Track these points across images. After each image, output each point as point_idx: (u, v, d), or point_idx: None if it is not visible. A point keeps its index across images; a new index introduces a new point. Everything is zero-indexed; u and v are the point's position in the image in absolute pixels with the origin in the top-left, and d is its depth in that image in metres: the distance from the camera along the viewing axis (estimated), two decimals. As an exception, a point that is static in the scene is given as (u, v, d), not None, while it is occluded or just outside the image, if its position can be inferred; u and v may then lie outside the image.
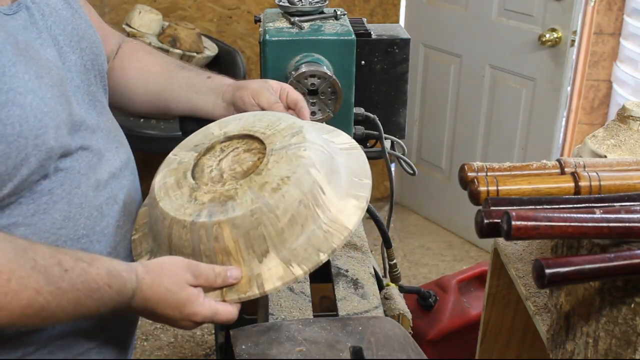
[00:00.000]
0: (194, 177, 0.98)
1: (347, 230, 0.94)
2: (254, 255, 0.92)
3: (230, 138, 1.03)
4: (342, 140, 1.09)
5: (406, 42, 1.44)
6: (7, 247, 0.81)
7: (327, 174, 0.96)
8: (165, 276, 0.92)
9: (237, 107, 1.19)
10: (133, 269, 0.91)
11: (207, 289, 0.94)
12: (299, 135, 0.99)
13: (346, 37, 1.32)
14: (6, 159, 0.86)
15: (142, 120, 2.66)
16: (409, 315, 1.22)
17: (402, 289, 1.35)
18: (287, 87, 1.21)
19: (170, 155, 1.05)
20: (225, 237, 0.91)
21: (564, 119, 3.02)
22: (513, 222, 0.75)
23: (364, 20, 1.52)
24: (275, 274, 0.92)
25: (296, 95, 1.19)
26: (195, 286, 0.93)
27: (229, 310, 0.94)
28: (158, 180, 1.01)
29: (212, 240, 0.92)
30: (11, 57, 0.87)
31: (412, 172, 1.44)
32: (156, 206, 0.97)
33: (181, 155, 1.03)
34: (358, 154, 1.07)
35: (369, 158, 1.51)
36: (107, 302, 0.88)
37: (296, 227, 0.92)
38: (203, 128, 1.09)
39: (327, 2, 1.42)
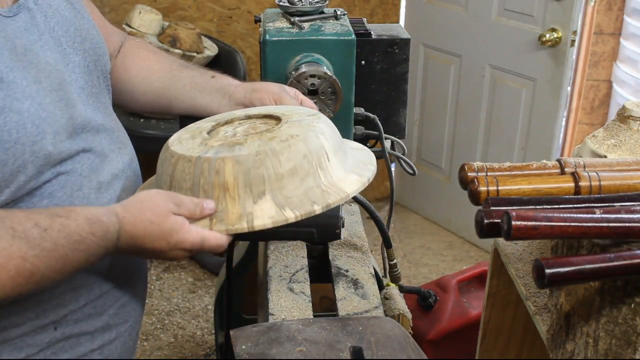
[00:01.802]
0: (208, 134, 1.03)
1: (345, 193, 0.97)
2: (250, 195, 0.94)
3: (250, 117, 1.09)
4: (354, 145, 1.14)
5: (406, 42, 1.44)
6: None
7: (334, 147, 1.00)
8: (147, 209, 0.92)
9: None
10: (112, 211, 0.91)
11: (190, 220, 0.94)
12: (315, 115, 1.05)
13: (346, 37, 1.32)
14: (2, 166, 0.86)
15: (142, 120, 2.66)
16: (409, 315, 1.22)
17: (402, 289, 1.35)
18: (299, 94, 1.22)
19: (189, 124, 1.10)
20: (227, 172, 0.94)
21: (564, 119, 3.02)
22: (513, 222, 0.75)
23: (364, 20, 1.52)
24: (267, 214, 0.94)
25: (311, 104, 1.21)
26: (178, 215, 0.93)
27: (217, 237, 0.94)
28: (173, 136, 1.05)
29: (213, 173, 0.94)
30: (9, 63, 0.87)
31: (412, 172, 1.44)
32: (166, 150, 1.01)
33: (200, 123, 1.08)
34: (367, 152, 1.11)
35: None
36: (94, 250, 0.88)
37: (296, 177, 0.95)
38: (227, 112, 1.14)
39: (327, 2, 1.42)
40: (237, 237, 1.00)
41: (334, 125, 1.05)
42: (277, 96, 1.18)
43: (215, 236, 0.94)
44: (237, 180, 0.93)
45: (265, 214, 0.94)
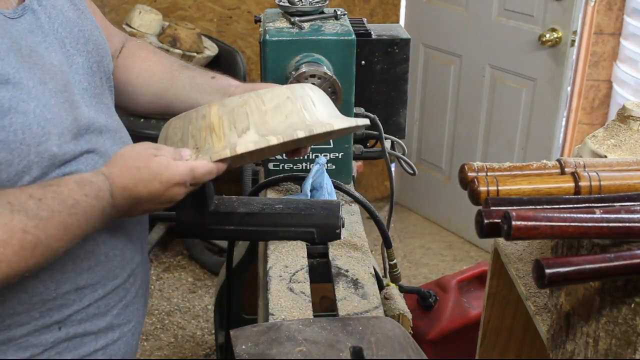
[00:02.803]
0: None
1: (330, 125, 1.00)
2: (234, 131, 0.98)
3: None
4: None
5: (406, 42, 1.44)
6: None
7: (321, 100, 1.04)
8: (129, 158, 0.94)
9: None
10: (98, 171, 0.93)
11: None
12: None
13: (346, 37, 1.32)
14: (8, 167, 0.86)
15: (142, 120, 2.66)
16: (409, 315, 1.22)
17: (402, 289, 1.35)
18: None
19: None
20: (212, 114, 0.99)
21: (564, 119, 3.02)
22: (513, 222, 0.75)
23: (364, 20, 1.52)
24: (250, 141, 0.97)
25: None
26: (160, 156, 0.95)
27: (204, 164, 0.96)
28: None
29: (200, 119, 0.99)
30: (15, 64, 0.87)
31: (412, 172, 1.44)
32: (165, 126, 1.06)
33: None
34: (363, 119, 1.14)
35: (369, 158, 1.52)
36: (90, 212, 0.88)
37: (279, 114, 0.99)
38: None
39: (327, 2, 1.42)
40: (237, 237, 1.01)
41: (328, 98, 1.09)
42: None
43: (202, 163, 0.96)
44: (222, 120, 0.98)
45: (247, 141, 0.97)
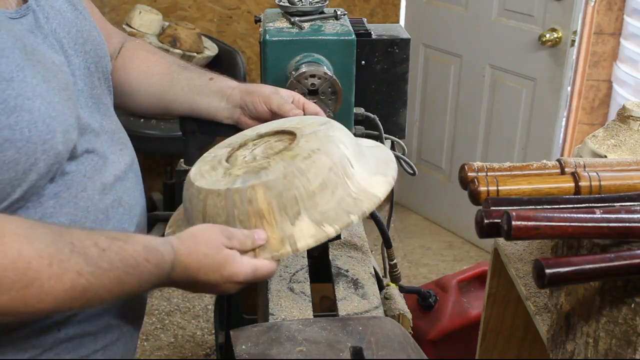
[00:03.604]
0: (227, 162, 1.03)
1: (377, 197, 0.98)
2: (286, 217, 0.94)
3: (262, 135, 1.08)
4: (368, 143, 1.15)
5: (406, 42, 1.44)
6: (44, 233, 0.81)
7: (354, 153, 1.01)
8: (201, 243, 0.93)
9: (245, 111, 1.20)
10: (168, 241, 0.92)
11: (241, 252, 0.94)
12: (327, 123, 1.05)
13: (346, 37, 1.32)
14: (15, 165, 0.86)
15: (142, 120, 2.66)
16: (409, 315, 1.22)
17: (402, 289, 1.35)
18: (299, 96, 1.21)
19: (204, 154, 1.09)
20: (259, 200, 0.94)
21: (564, 119, 3.02)
22: (513, 222, 0.75)
23: (364, 20, 1.52)
24: (307, 233, 0.94)
25: (314, 107, 1.21)
26: (230, 248, 0.93)
27: (267, 265, 0.95)
28: (193, 170, 1.04)
29: (246, 203, 0.94)
30: (19, 62, 0.87)
31: (412, 172, 1.44)
32: (191, 187, 1.00)
33: (215, 151, 1.08)
34: (383, 148, 1.13)
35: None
36: (147, 277, 0.88)
37: (327, 192, 0.95)
38: (237, 134, 1.14)
39: (327, 2, 1.42)
40: None
41: (347, 130, 1.06)
42: (266, 99, 1.18)
43: (265, 264, 0.95)
44: (272, 206, 0.94)
45: (305, 234, 0.94)
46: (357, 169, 0.99)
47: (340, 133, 1.02)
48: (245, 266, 0.94)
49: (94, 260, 0.83)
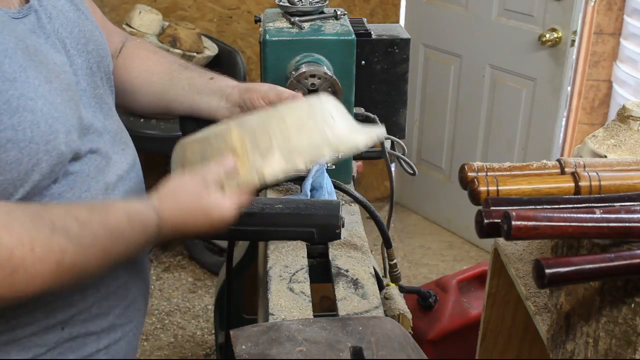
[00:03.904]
0: None
1: (354, 144, 1.00)
2: (257, 153, 0.96)
3: None
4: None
5: (406, 42, 1.44)
6: (22, 216, 0.82)
7: (339, 112, 1.03)
8: (181, 196, 0.94)
9: (244, 110, 1.20)
10: (150, 204, 0.93)
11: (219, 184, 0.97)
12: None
13: (346, 37, 1.32)
14: (18, 165, 0.86)
15: (142, 120, 2.66)
16: (409, 315, 1.22)
17: (402, 289, 1.35)
18: (299, 95, 1.21)
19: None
20: (233, 138, 0.97)
21: (564, 119, 3.02)
22: (513, 222, 0.75)
23: (364, 20, 1.52)
24: (278, 166, 0.96)
25: None
26: (209, 194, 0.95)
27: (247, 198, 0.98)
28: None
29: (221, 142, 0.97)
30: (22, 63, 0.87)
31: (412, 172, 1.44)
32: (177, 146, 1.06)
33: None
34: (374, 126, 1.16)
35: (369, 158, 1.51)
36: (134, 242, 0.90)
37: (302, 134, 0.97)
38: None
39: (327, 2, 1.42)
40: (237, 237, 1.01)
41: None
42: (264, 94, 1.19)
43: (245, 198, 0.97)
44: (244, 142, 0.96)
45: (275, 167, 0.96)
46: (339, 123, 1.01)
47: (328, 98, 1.05)
48: (229, 205, 0.95)
49: (76, 236, 0.83)
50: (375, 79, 1.45)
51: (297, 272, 1.17)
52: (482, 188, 0.93)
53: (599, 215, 0.77)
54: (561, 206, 0.84)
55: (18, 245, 0.79)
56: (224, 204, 0.95)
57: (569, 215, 0.77)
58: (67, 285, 0.87)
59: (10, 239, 0.79)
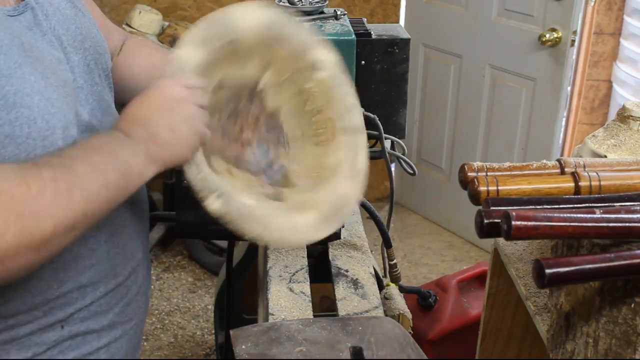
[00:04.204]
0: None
1: None
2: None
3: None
4: None
5: (406, 42, 1.44)
6: (7, 166, 0.82)
7: None
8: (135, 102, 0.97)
9: None
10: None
11: None
12: None
13: (346, 37, 1.32)
14: (15, 161, 0.86)
15: (142, 120, 2.66)
16: (409, 315, 1.22)
17: (402, 289, 1.35)
18: None
19: None
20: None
21: (564, 119, 3.02)
22: (513, 222, 0.75)
23: (364, 20, 1.52)
24: None
25: None
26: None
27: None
28: None
29: None
30: (17, 59, 0.87)
31: (412, 172, 1.44)
32: None
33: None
34: None
35: (369, 158, 1.51)
36: (109, 145, 0.91)
37: None
38: None
39: (327, 2, 1.42)
40: (237, 237, 1.01)
41: None
42: None
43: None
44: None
45: None
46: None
47: None
48: (176, 82, 0.96)
49: (60, 164, 0.85)
50: (375, 79, 1.45)
51: (297, 272, 1.17)
52: (482, 188, 0.93)
53: (599, 215, 0.77)
54: (561, 206, 0.84)
55: (14, 186, 0.79)
56: (169, 81, 0.97)
57: (569, 215, 0.77)
58: (84, 220, 0.85)
59: (6, 184, 0.79)
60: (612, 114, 3.03)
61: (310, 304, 1.10)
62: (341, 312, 1.08)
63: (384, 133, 1.41)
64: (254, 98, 1.10)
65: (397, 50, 1.44)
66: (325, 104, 1.10)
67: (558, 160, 0.99)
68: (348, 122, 1.11)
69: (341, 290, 1.14)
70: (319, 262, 1.24)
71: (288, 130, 1.11)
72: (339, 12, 1.41)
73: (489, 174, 0.96)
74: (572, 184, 0.93)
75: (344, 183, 1.06)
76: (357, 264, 1.21)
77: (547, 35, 2.62)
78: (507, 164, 0.98)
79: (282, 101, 1.12)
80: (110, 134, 0.93)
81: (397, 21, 3.33)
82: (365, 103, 1.44)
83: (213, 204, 0.94)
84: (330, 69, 1.09)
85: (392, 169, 1.59)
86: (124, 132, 0.92)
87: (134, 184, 0.91)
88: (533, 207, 0.84)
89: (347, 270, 1.19)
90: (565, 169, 0.97)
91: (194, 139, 0.96)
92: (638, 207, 0.79)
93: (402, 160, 1.44)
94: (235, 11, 1.03)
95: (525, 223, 0.75)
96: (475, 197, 0.94)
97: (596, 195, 0.90)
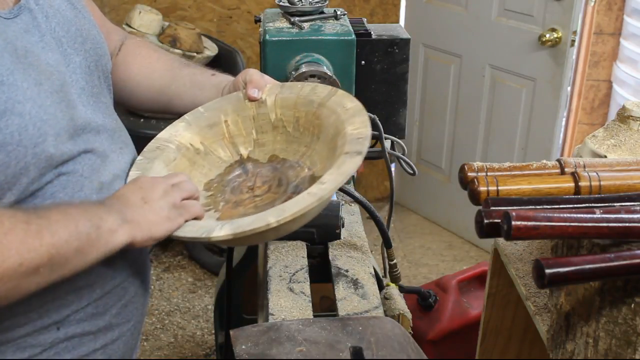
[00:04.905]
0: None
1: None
2: None
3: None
4: None
5: (406, 42, 1.44)
6: None
7: None
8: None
9: None
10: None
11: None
12: None
13: (346, 37, 1.32)
14: (5, 168, 0.86)
15: (142, 120, 2.65)
16: (409, 315, 1.22)
17: (402, 289, 1.35)
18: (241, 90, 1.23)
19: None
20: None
21: (564, 119, 3.02)
22: (513, 222, 0.75)
23: (364, 20, 1.52)
24: None
25: None
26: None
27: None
28: None
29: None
30: (9, 66, 0.87)
31: (412, 172, 1.44)
32: None
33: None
34: None
35: (369, 158, 1.51)
36: (83, 206, 0.93)
37: None
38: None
39: (327, 2, 1.42)
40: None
41: None
42: (243, 73, 1.19)
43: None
44: None
45: None
46: None
47: None
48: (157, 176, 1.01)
49: (34, 210, 0.87)
50: (375, 79, 1.45)
51: (297, 272, 1.17)
52: (482, 188, 0.93)
53: (599, 215, 0.77)
54: (561, 206, 0.84)
55: None
56: (152, 175, 1.02)
57: (568, 215, 0.77)
58: (48, 263, 0.85)
59: None
60: (612, 114, 3.03)
61: (310, 304, 1.10)
62: (341, 312, 1.08)
63: (384, 133, 1.41)
64: (244, 165, 1.14)
65: (397, 50, 1.44)
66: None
67: (558, 161, 0.99)
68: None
69: (341, 290, 1.14)
70: (319, 262, 1.24)
71: (291, 157, 1.13)
72: (339, 12, 1.41)
73: (489, 174, 0.96)
74: (572, 184, 0.93)
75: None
76: (357, 264, 1.21)
77: (547, 35, 2.62)
78: (507, 164, 0.98)
79: (269, 144, 1.15)
80: (86, 202, 0.96)
81: (397, 21, 3.33)
82: (365, 103, 1.44)
83: (220, 233, 0.94)
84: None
85: (392, 169, 1.59)
86: (99, 202, 0.96)
87: (106, 241, 0.91)
88: (533, 207, 0.84)
89: (347, 270, 1.19)
90: (565, 169, 0.97)
91: (172, 212, 0.98)
92: (638, 207, 0.79)
93: (402, 160, 1.44)
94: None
95: (525, 223, 0.75)
96: (475, 197, 0.94)
97: (596, 196, 0.90)
